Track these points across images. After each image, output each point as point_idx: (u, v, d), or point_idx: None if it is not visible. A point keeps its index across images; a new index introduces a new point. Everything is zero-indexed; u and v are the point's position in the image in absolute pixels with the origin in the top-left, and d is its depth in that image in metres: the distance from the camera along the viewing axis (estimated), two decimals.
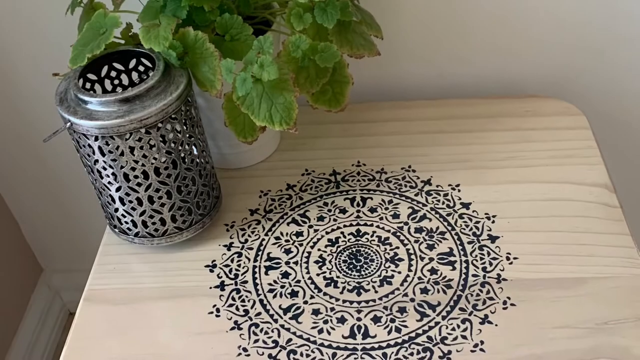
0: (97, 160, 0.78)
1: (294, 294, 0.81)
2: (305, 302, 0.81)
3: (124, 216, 0.83)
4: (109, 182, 0.79)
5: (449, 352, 0.75)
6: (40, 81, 1.09)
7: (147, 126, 0.75)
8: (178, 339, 0.78)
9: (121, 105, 0.75)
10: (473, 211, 0.89)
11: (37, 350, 1.42)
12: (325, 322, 0.79)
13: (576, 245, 0.84)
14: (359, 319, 0.79)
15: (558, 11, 1.02)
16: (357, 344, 0.76)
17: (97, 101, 0.75)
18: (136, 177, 0.79)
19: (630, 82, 1.08)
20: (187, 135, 0.80)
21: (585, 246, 0.84)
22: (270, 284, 0.83)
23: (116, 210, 0.82)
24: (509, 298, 0.79)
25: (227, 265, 0.85)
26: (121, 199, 0.81)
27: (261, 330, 0.78)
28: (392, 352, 0.75)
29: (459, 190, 0.91)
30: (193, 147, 0.82)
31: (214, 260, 0.86)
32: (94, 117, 0.75)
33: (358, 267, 0.83)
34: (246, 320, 0.79)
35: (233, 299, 0.82)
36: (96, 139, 0.75)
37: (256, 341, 0.77)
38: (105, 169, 0.78)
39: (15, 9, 1.05)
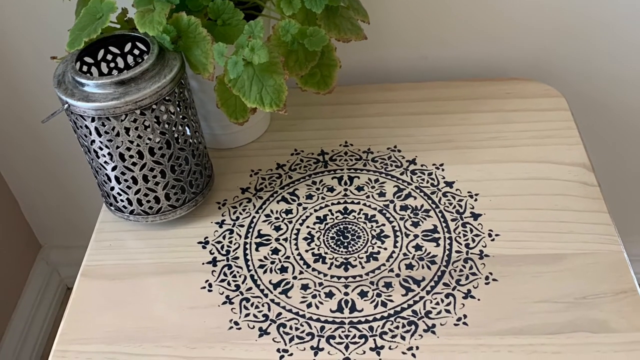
0: (93, 141, 0.80)
1: (283, 269, 0.84)
2: (295, 278, 0.83)
3: (120, 195, 0.85)
4: (105, 162, 0.82)
5: (433, 325, 0.78)
6: (38, 64, 1.11)
7: (142, 108, 0.78)
8: (172, 313, 0.81)
9: (117, 87, 0.77)
10: (456, 190, 0.92)
11: (35, 324, 1.44)
12: (314, 296, 0.81)
13: (556, 222, 0.87)
14: (346, 294, 0.81)
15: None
16: (345, 318, 0.79)
17: (94, 83, 0.77)
18: (131, 156, 0.81)
19: (607, 65, 1.11)
20: (181, 117, 0.83)
21: (565, 223, 0.87)
22: (260, 260, 0.85)
23: (112, 188, 0.85)
24: (490, 274, 0.82)
25: (219, 242, 0.88)
26: (117, 178, 0.83)
27: (252, 305, 0.81)
28: (379, 326, 0.78)
29: (443, 170, 0.94)
30: (186, 127, 0.84)
31: (206, 237, 0.88)
32: (91, 99, 0.77)
33: (345, 244, 0.86)
34: (237, 295, 0.82)
35: (225, 274, 0.84)
36: (93, 120, 0.77)
37: (247, 315, 0.80)
38: (101, 149, 0.80)
39: None
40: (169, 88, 0.79)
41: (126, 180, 0.83)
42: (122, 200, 0.86)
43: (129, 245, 0.89)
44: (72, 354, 0.78)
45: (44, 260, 1.44)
